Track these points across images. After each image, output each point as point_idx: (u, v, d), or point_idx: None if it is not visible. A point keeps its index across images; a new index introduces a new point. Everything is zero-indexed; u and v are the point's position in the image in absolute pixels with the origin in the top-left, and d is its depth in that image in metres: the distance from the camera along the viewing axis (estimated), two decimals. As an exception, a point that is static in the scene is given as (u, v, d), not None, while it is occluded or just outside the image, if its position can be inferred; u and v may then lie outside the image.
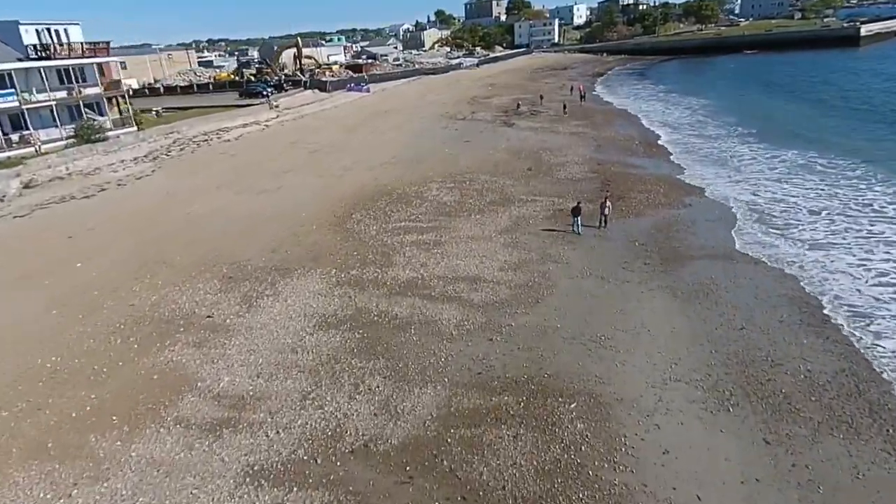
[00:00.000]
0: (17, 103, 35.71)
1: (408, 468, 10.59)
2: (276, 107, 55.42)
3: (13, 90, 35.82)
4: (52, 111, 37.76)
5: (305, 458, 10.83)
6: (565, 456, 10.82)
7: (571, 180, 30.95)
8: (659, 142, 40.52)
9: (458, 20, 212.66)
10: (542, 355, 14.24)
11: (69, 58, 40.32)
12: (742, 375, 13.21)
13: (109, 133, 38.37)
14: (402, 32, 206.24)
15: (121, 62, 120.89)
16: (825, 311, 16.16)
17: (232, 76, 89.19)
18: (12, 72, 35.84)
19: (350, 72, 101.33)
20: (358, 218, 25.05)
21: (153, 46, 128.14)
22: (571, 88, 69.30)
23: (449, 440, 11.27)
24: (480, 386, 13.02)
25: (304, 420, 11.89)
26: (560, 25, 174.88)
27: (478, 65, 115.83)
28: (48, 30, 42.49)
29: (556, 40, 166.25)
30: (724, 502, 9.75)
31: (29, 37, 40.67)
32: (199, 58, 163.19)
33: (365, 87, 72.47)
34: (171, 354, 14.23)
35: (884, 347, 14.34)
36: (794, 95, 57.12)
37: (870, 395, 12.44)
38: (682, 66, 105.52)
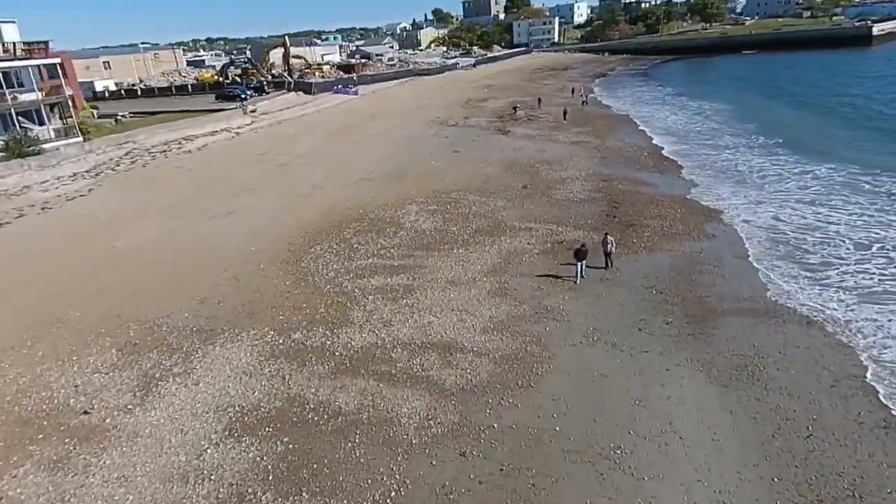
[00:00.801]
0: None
1: None
2: (253, 111, 51.28)
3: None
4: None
5: None
6: None
7: (572, 201, 26.81)
8: (669, 153, 36.36)
9: (457, 19, 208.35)
10: (533, 484, 10.13)
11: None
12: (823, 528, 9.13)
13: (48, 145, 34.03)
14: (398, 31, 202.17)
15: (104, 62, 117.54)
16: (914, 406, 12.06)
17: (216, 77, 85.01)
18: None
19: (341, 72, 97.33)
20: (317, 253, 20.89)
21: (139, 45, 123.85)
22: (573, 90, 65.18)
23: None
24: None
25: None
26: (560, 24, 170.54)
27: (475, 65, 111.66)
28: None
29: (556, 39, 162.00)
30: None
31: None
32: (194, 56, 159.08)
33: (353, 90, 68.34)
34: (9, 486, 10.08)
35: None
36: (817, 100, 52.22)
37: None
38: (687, 67, 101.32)
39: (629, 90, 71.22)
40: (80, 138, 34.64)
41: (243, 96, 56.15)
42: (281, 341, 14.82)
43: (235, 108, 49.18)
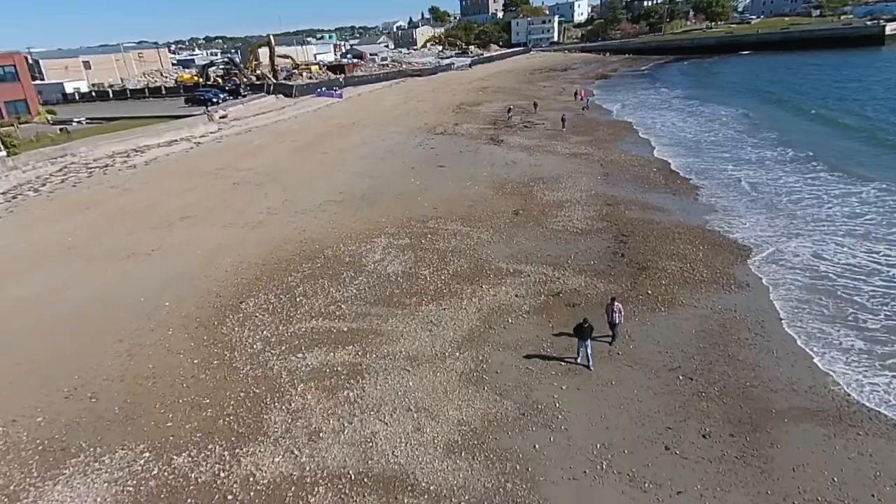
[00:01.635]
0: None
1: None
2: (223, 117, 46.81)
3: None
4: None
5: None
6: None
7: (572, 233, 22.38)
8: (681, 168, 31.87)
9: (454, 17, 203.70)
10: None
11: None
12: None
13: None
14: (395, 30, 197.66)
15: (84, 62, 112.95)
16: None
17: (196, 78, 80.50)
18: None
19: (331, 73, 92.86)
20: (247, 311, 16.46)
21: (120, 45, 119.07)
22: (575, 94, 60.64)
23: None
24: None
25: None
26: (560, 23, 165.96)
27: (470, 65, 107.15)
28: None
29: (556, 39, 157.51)
30: None
31: None
32: (190, 55, 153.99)
33: (337, 93, 63.84)
34: None
35: None
36: (848, 106, 47.04)
37: None
38: (693, 68, 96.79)
39: (633, 93, 66.73)
40: (3, 153, 30.15)
41: (215, 100, 51.64)
42: (154, 471, 10.38)
43: (201, 115, 44.65)
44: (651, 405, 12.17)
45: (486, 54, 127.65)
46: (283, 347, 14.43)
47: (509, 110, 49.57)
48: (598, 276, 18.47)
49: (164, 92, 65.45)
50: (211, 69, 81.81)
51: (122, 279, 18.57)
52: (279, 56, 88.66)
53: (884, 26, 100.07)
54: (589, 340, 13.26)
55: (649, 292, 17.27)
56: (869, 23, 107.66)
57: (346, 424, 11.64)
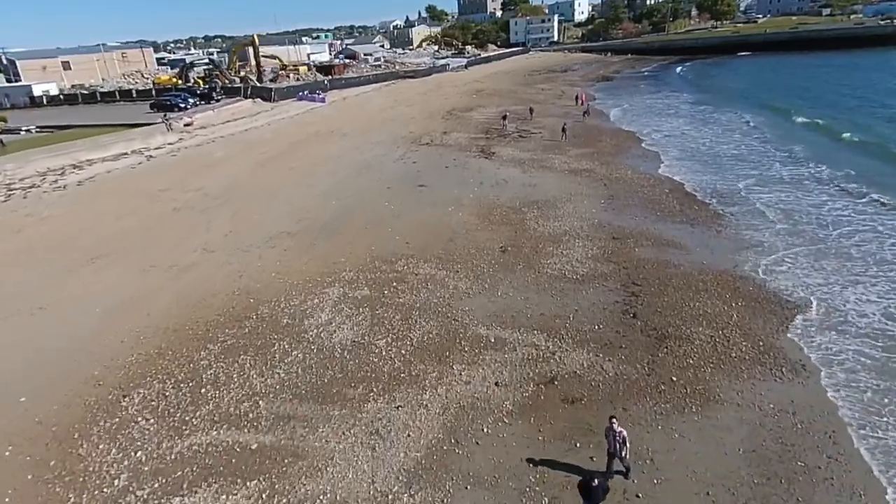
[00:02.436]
0: None
1: None
2: (189, 125, 42.47)
3: None
4: None
5: None
6: None
7: (571, 279, 18.06)
8: (697, 189, 27.54)
9: (452, 16, 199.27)
10: None
11: None
12: None
13: None
14: (391, 29, 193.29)
15: (63, 63, 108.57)
16: None
17: (175, 80, 76.25)
18: None
19: (320, 74, 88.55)
20: (128, 412, 12.10)
21: (108, 45, 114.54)
22: (576, 98, 56.14)
23: None
24: None
25: None
26: (560, 22, 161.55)
27: (466, 66, 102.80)
28: None
29: (556, 38, 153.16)
30: None
31: None
32: (185, 55, 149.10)
33: (320, 97, 59.48)
34: None
35: None
36: (879, 113, 42.30)
37: None
38: (700, 69, 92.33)
39: (637, 97, 62.38)
40: None
41: (182, 105, 47.26)
42: None
43: (160, 123, 40.31)
44: None
45: (484, 54, 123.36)
46: (157, 484, 10.08)
47: (504, 117, 45.23)
48: (604, 349, 14.14)
49: (135, 95, 60.96)
50: (192, 70, 77.68)
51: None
52: (266, 56, 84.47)
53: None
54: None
55: (674, 378, 12.96)
56: (882, 22, 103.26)
57: None
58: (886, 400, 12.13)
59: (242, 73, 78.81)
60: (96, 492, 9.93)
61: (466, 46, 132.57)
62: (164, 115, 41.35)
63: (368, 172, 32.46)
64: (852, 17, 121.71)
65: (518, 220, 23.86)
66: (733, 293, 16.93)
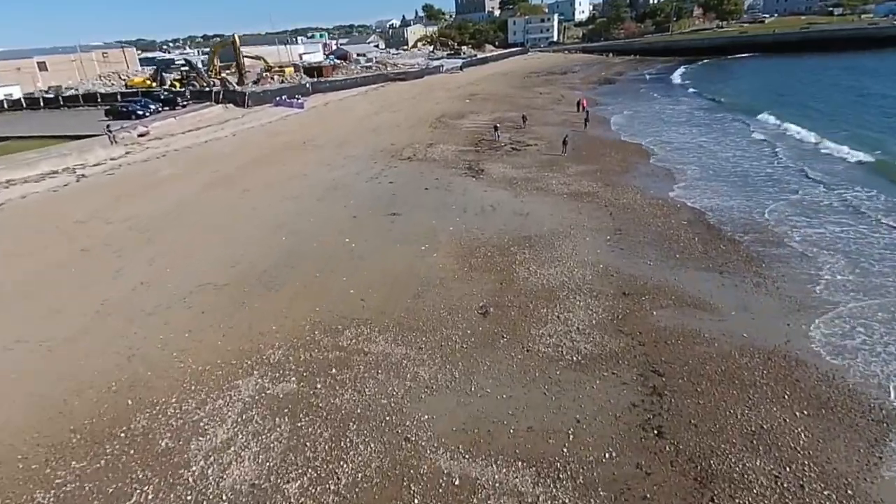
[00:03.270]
0: None
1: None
2: (143, 135, 37.83)
3: None
4: None
5: None
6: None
7: (570, 363, 13.47)
8: (725, 221, 22.95)
9: (449, 16, 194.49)
10: None
11: None
12: None
13: None
14: (387, 29, 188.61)
15: (39, 63, 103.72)
16: None
17: (149, 82, 71.61)
18: None
19: (306, 76, 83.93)
20: None
21: (77, 46, 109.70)
22: (578, 104, 51.38)
23: None
24: None
25: None
26: (560, 22, 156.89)
27: (461, 68, 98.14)
28: None
29: (556, 38, 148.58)
30: None
31: None
32: (180, 54, 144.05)
33: (299, 102, 54.82)
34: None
35: None
36: None
37: None
38: (709, 71, 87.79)
39: (644, 102, 57.78)
40: None
41: (140, 112, 42.61)
42: None
43: (103, 135, 35.64)
44: None
45: (480, 55, 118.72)
46: None
47: (496, 128, 40.58)
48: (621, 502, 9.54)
49: (100, 99, 56.25)
50: (165, 72, 73.05)
51: None
52: (251, 57, 79.89)
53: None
54: None
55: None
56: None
57: None
58: None
59: (223, 75, 74.19)
60: None
61: (462, 47, 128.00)
62: (107, 126, 36.54)
63: (334, 196, 27.85)
64: (863, 16, 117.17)
65: (505, 265, 19.25)
66: (793, 391, 12.33)
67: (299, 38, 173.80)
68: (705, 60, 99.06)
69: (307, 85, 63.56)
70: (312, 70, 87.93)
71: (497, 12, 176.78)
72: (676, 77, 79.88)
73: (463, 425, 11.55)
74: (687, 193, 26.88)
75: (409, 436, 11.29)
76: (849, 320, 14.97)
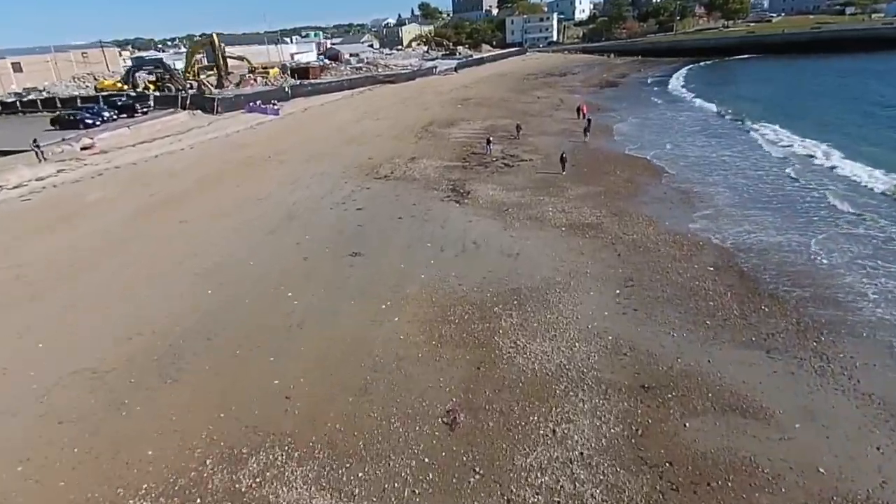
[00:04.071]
0: None
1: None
2: (87, 148, 33.31)
3: None
4: None
5: None
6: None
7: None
8: (767, 266, 18.42)
9: (447, 14, 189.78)
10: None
11: None
12: None
13: None
14: (382, 28, 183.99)
15: (13, 64, 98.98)
16: None
17: (120, 85, 67.09)
18: None
19: (292, 78, 79.46)
20: None
21: (51, 46, 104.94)
22: (578, 110, 46.73)
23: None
24: None
25: None
26: (559, 21, 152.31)
27: (456, 69, 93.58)
28: None
29: (555, 38, 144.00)
30: None
31: None
32: (175, 54, 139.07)
33: (273, 108, 50.28)
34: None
35: None
36: None
37: None
38: (716, 73, 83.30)
39: (651, 108, 53.24)
40: None
41: (90, 121, 38.07)
42: None
43: (30, 150, 31.07)
44: None
45: (477, 55, 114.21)
46: None
47: (489, 141, 36.02)
48: None
49: (58, 105, 51.60)
50: (139, 73, 68.56)
51: None
52: (233, 58, 75.44)
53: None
54: None
55: None
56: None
57: None
58: None
59: (201, 78, 69.66)
60: None
61: (458, 47, 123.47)
62: (34, 141, 31.92)
63: (289, 228, 23.32)
64: (874, 16, 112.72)
65: (485, 337, 14.74)
66: None
67: (293, 37, 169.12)
68: (712, 61, 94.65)
69: (286, 89, 58.85)
70: (300, 71, 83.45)
71: (495, 11, 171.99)
72: (682, 80, 75.28)
73: None
74: (712, 225, 22.35)
75: None
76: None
